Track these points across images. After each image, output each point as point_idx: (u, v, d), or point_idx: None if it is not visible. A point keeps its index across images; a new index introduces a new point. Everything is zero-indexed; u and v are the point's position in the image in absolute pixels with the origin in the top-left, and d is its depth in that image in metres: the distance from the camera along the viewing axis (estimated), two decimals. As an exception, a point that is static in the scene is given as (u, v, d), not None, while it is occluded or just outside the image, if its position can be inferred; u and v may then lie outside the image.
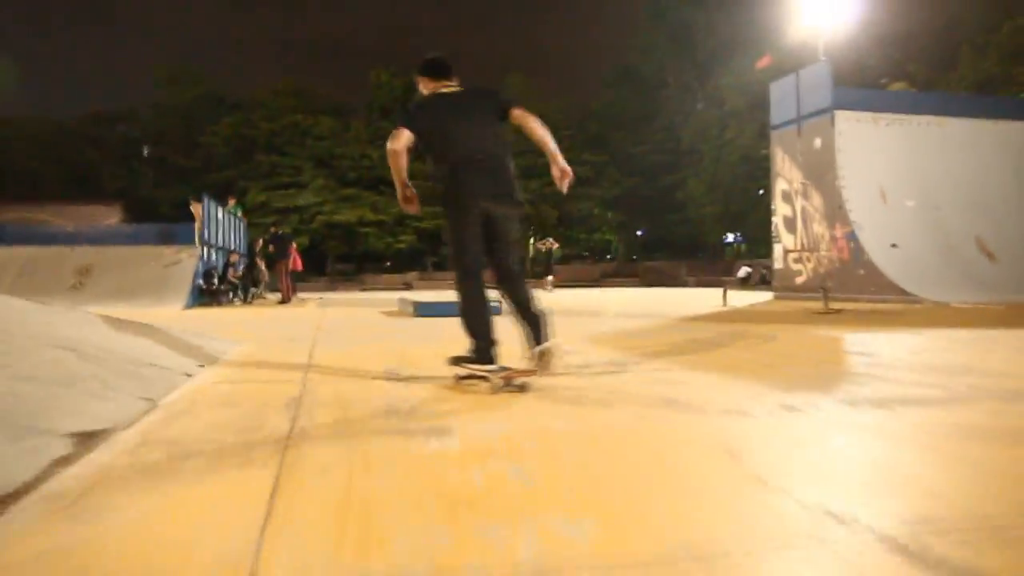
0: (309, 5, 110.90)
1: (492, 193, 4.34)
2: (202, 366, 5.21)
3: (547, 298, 19.47)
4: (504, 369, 4.28)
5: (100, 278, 16.58)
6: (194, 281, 16.95)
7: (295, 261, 20.58)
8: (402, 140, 4.35)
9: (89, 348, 4.58)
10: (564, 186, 4.45)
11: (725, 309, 13.01)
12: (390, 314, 12.95)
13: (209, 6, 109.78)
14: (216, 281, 18.13)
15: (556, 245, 24.00)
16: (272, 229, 20.30)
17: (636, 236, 56.08)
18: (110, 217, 41.38)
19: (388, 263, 53.46)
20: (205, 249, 18.34)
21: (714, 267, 41.55)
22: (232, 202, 25.36)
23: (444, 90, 4.61)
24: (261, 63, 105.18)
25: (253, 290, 21.20)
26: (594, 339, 7.34)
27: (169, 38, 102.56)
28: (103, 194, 49.90)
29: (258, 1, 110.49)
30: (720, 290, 16.83)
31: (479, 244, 4.40)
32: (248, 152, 50.04)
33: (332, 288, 42.71)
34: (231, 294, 18.96)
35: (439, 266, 52.64)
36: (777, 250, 18.00)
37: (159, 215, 42.06)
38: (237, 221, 25.04)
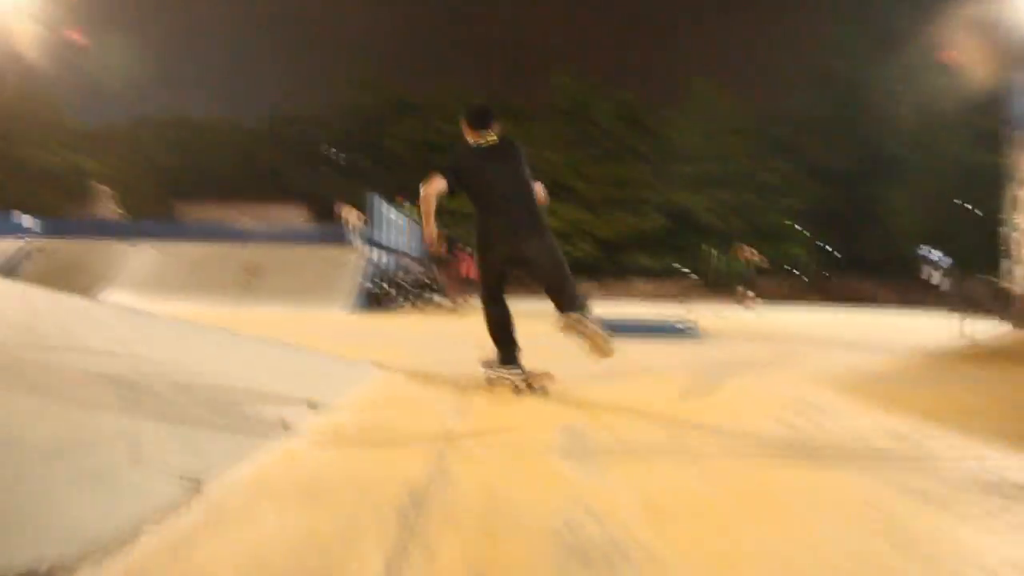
0: (493, 11, 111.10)
1: (515, 234, 4.95)
2: (314, 408, 3.83)
3: (747, 318, 17.41)
4: (525, 373, 4.99)
5: (269, 277, 16.01)
6: (361, 284, 16.07)
7: (468, 268, 19.54)
8: (434, 187, 4.90)
9: (156, 378, 3.28)
10: None
11: (970, 343, 10.71)
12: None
13: (396, 16, 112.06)
14: (385, 284, 17.25)
15: (758, 256, 21.50)
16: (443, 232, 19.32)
17: (828, 251, 52.24)
18: (296, 217, 42.28)
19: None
20: (374, 251, 17.50)
21: (913, 287, 37.73)
22: (405, 203, 24.75)
23: (482, 142, 5.22)
24: (445, 68, 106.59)
25: (426, 295, 20.34)
26: (838, 384, 5.51)
27: (356, 44, 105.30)
28: (289, 194, 51.36)
29: (444, 9, 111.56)
30: (933, 313, 14.33)
31: (499, 278, 5.15)
32: (429, 154, 49.98)
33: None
34: (402, 299, 18.05)
35: (619, 276, 50.94)
36: (1018, 272, 15.23)
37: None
38: (410, 223, 24.35)
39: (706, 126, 47.54)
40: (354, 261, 16.49)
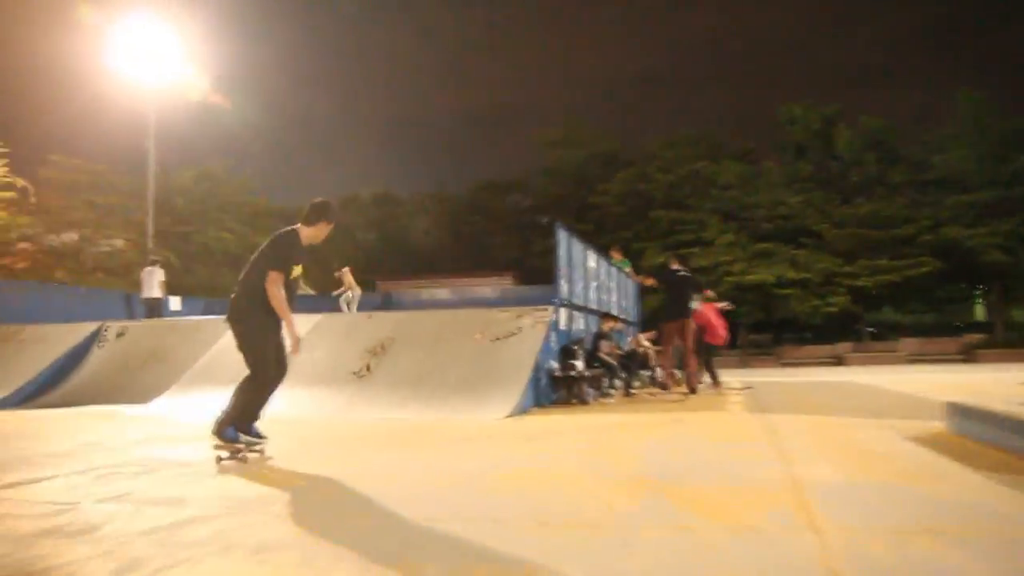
0: (710, 48, 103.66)
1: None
2: None
3: None
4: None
5: (397, 358, 10.38)
6: (538, 366, 10.13)
7: (712, 328, 13.17)
8: None
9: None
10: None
11: None
12: (940, 445, 5.07)
13: (600, 70, 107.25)
14: (579, 363, 11.20)
15: None
16: (674, 265, 12.86)
17: None
18: (501, 286, 37.67)
19: (808, 332, 43.94)
20: (562, 312, 11.58)
21: None
22: (617, 255, 18.82)
23: None
24: (655, 123, 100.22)
25: (645, 374, 14.22)
26: None
27: (554, 106, 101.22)
28: (495, 265, 47.33)
29: (647, 55, 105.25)
30: None
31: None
32: (643, 209, 43.98)
33: (745, 364, 34.82)
34: (607, 382, 11.94)
35: (878, 336, 42.18)
36: None
37: (548, 283, 37.40)
38: (623, 279, 18.40)
39: (978, 146, 38.67)
40: (528, 328, 10.56)
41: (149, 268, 19.76)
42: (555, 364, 10.84)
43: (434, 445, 6.42)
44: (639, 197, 45.15)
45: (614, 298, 16.27)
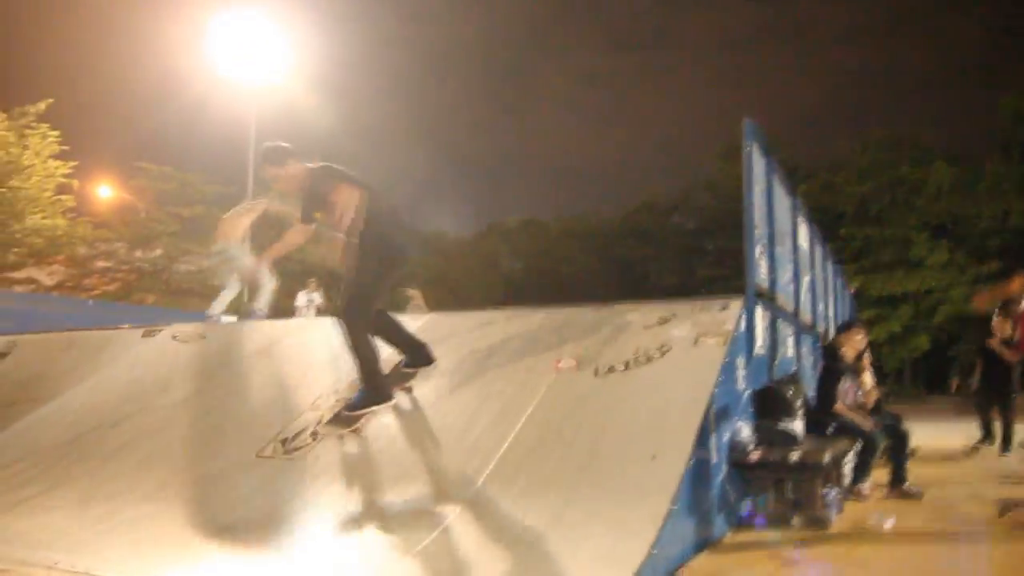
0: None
1: None
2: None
3: None
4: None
5: (382, 415, 4.69)
6: (708, 435, 4.12)
7: None
8: None
9: None
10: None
11: None
12: None
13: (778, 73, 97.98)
14: (798, 425, 5.10)
15: None
16: None
17: None
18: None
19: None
20: (759, 317, 5.46)
21: None
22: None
23: None
24: (849, 123, 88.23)
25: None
26: None
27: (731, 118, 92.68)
28: (655, 292, 41.52)
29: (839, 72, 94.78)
30: None
31: None
32: (831, 227, 36.93)
33: (960, 415, 27.14)
34: (851, 466, 5.78)
35: None
36: None
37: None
38: (840, 283, 12.61)
39: None
40: (684, 345, 4.58)
41: (306, 293, 17.12)
42: (746, 431, 4.84)
43: None
44: (824, 213, 37.99)
45: (831, 311, 10.08)
